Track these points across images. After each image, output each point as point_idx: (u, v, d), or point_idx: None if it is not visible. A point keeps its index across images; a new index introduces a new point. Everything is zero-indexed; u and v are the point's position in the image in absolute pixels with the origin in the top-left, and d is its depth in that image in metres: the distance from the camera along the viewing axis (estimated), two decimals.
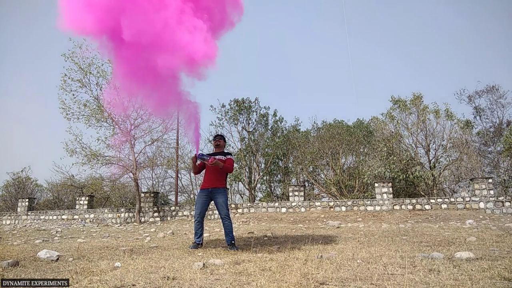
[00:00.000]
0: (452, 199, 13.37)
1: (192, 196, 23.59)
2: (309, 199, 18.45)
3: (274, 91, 50.03)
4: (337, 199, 17.41)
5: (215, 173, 5.12)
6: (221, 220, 5.14)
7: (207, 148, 21.36)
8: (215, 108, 21.58)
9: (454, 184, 19.25)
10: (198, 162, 5.22)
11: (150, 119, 14.59)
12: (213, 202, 5.17)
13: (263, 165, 21.71)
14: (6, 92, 46.19)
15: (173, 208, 15.50)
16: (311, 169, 21.74)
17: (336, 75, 51.09)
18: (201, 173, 5.43)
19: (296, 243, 5.41)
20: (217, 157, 5.08)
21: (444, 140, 17.72)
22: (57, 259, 3.90)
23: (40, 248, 5.22)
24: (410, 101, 18.27)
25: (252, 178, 21.33)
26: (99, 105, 13.97)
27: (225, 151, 5.42)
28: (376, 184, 14.33)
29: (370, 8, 51.70)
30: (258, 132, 21.99)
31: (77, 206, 16.49)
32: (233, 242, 4.95)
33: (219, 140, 5.37)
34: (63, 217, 16.14)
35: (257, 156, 21.52)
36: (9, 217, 16.95)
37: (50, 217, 16.28)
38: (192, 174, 23.04)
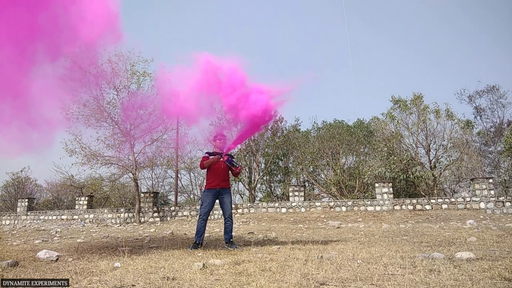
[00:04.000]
0: (453, 199, 13.35)
1: (192, 196, 23.57)
2: (309, 199, 18.44)
3: None
4: (337, 199, 17.39)
5: (223, 173, 5.26)
6: (224, 219, 5.25)
7: (208, 147, 21.33)
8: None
9: (454, 184, 19.24)
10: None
11: (150, 119, 14.55)
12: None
13: (263, 165, 21.69)
14: None
15: (172, 208, 15.49)
16: (311, 169, 21.73)
17: (336, 75, 51.11)
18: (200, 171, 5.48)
19: (296, 243, 5.40)
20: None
21: (444, 140, 17.71)
22: (57, 259, 3.89)
23: (40, 248, 5.22)
24: (410, 101, 18.25)
25: (252, 178, 21.31)
26: (98, 105, 13.92)
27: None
28: (376, 184, 14.32)
29: (371, 8, 51.76)
30: (258, 132, 21.96)
31: (76, 206, 16.47)
32: (231, 240, 5.13)
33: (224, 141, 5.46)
34: (63, 217, 16.13)
35: (257, 156, 21.49)
36: (8, 217, 16.94)
37: (50, 217, 16.26)
38: (192, 174, 23.05)
